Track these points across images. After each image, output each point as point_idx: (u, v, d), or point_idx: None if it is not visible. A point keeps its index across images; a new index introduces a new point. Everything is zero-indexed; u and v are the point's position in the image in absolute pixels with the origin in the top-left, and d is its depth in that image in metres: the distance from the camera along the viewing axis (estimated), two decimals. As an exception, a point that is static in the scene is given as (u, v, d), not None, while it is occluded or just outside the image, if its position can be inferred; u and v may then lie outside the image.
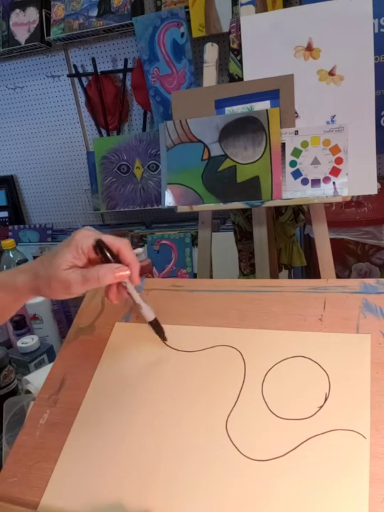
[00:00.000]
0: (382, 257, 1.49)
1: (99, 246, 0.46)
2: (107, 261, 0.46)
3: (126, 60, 1.85)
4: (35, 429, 0.51)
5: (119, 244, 0.47)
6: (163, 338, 0.52)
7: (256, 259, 1.08)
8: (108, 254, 0.46)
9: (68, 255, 0.45)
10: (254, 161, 0.95)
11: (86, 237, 0.46)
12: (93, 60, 1.86)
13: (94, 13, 1.74)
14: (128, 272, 0.47)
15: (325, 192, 0.92)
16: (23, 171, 2.23)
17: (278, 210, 1.23)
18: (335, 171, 0.91)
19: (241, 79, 1.00)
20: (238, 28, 0.99)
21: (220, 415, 0.45)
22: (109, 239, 0.47)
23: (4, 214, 2.26)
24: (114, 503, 0.43)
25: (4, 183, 2.24)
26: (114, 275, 0.45)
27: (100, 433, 0.48)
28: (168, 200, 1.02)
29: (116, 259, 0.47)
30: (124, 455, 0.45)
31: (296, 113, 0.94)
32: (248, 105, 0.96)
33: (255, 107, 0.95)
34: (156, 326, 0.51)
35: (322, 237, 1.00)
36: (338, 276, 1.37)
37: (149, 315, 0.50)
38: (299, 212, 1.24)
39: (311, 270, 1.59)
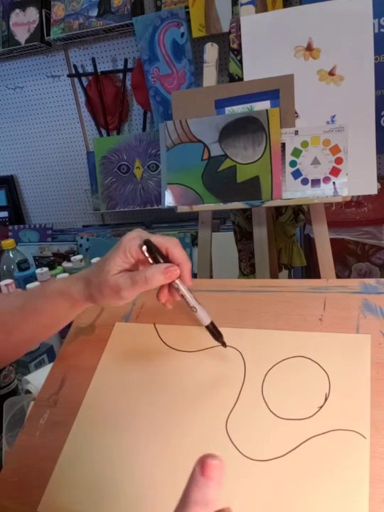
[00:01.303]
0: (382, 257, 1.49)
1: (147, 246, 0.44)
2: (155, 262, 0.44)
3: (126, 60, 1.85)
4: (35, 429, 0.51)
5: (167, 243, 0.45)
6: (222, 343, 0.48)
7: (256, 259, 1.08)
8: (157, 255, 0.44)
9: (117, 259, 0.45)
10: (254, 161, 0.95)
11: (133, 240, 0.45)
12: (93, 60, 1.86)
13: (94, 13, 1.74)
14: (178, 271, 0.45)
15: (325, 192, 0.92)
16: (23, 171, 2.23)
17: (278, 210, 1.23)
18: (335, 171, 0.91)
19: (241, 79, 1.00)
20: (238, 28, 0.99)
21: (220, 415, 0.45)
22: (157, 239, 0.45)
23: (4, 214, 2.26)
24: (114, 503, 0.43)
25: (4, 183, 2.24)
26: (162, 276, 0.44)
27: (100, 433, 0.48)
28: (168, 200, 1.02)
29: (166, 259, 0.45)
30: (123, 455, 0.45)
31: (296, 113, 0.94)
32: (248, 105, 0.96)
33: (255, 107, 0.95)
34: (213, 330, 0.47)
35: (322, 237, 1.01)
36: (338, 276, 1.37)
37: (205, 319, 0.47)
38: (299, 212, 1.24)
39: (311, 270, 1.59)
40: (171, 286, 0.46)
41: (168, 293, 0.47)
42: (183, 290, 0.46)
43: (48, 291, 0.50)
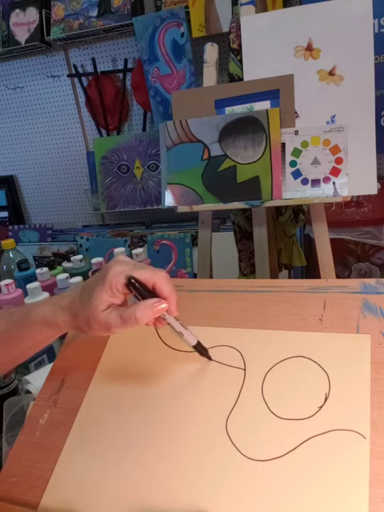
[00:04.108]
0: (382, 257, 1.49)
1: (132, 285, 0.44)
2: (143, 297, 0.44)
3: (126, 60, 1.85)
4: (35, 429, 0.51)
5: (154, 278, 0.44)
6: (208, 358, 0.50)
7: (256, 259, 1.08)
8: (143, 291, 0.44)
9: (104, 295, 0.44)
10: (254, 161, 0.95)
11: (119, 275, 0.44)
12: (93, 60, 1.86)
13: (94, 13, 1.74)
14: (165, 305, 0.44)
15: (325, 192, 0.92)
16: (23, 171, 2.23)
17: (278, 210, 1.23)
18: (335, 171, 0.91)
19: (241, 79, 1.00)
20: (238, 28, 0.99)
21: (220, 415, 0.45)
22: (143, 274, 0.44)
23: (4, 214, 2.26)
24: (114, 503, 0.43)
25: (4, 183, 2.24)
26: (151, 313, 0.43)
27: (100, 433, 0.48)
28: (168, 200, 1.02)
29: (153, 294, 0.45)
30: (124, 455, 0.45)
31: (296, 113, 0.94)
32: (248, 105, 0.96)
33: (255, 107, 0.95)
34: (200, 350, 0.49)
35: (322, 237, 1.00)
36: (338, 276, 1.37)
37: (192, 340, 0.48)
38: (299, 212, 1.24)
39: (311, 270, 1.59)
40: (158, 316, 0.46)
41: (155, 321, 0.47)
42: (170, 319, 0.47)
43: (31, 319, 0.48)
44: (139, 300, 0.44)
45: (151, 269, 0.45)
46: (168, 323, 0.47)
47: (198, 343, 0.49)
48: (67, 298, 0.47)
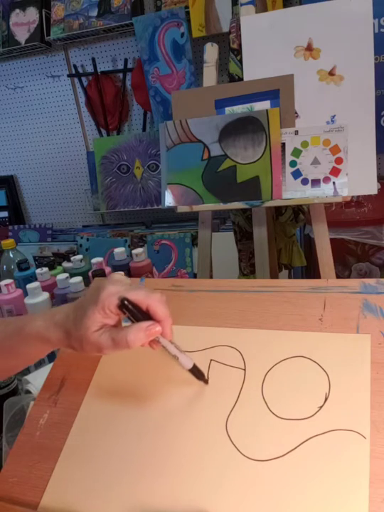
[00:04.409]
0: (382, 257, 1.49)
1: (125, 306, 0.42)
2: (136, 319, 0.43)
3: (126, 60, 1.85)
4: (35, 429, 0.51)
5: (148, 300, 0.43)
6: (205, 381, 0.48)
7: (256, 259, 1.08)
8: (136, 312, 0.43)
9: (97, 315, 0.42)
10: (254, 161, 0.95)
11: (112, 296, 0.42)
12: (93, 60, 1.86)
13: (94, 13, 1.74)
14: (159, 329, 0.43)
15: (325, 192, 0.92)
16: (23, 171, 2.23)
17: (278, 210, 1.23)
18: (335, 171, 0.91)
19: (241, 79, 1.00)
20: (238, 28, 0.99)
21: (220, 415, 0.45)
22: (137, 295, 0.43)
23: (4, 214, 2.27)
24: (115, 502, 0.43)
25: (4, 183, 2.24)
26: (144, 336, 0.42)
27: (100, 433, 0.48)
28: (168, 200, 1.02)
29: (147, 316, 0.43)
30: (123, 455, 0.45)
31: (296, 113, 0.94)
32: (248, 105, 0.96)
33: (255, 107, 0.95)
34: (196, 373, 0.48)
35: (322, 237, 1.00)
36: (338, 276, 1.37)
37: (187, 364, 0.47)
38: (299, 212, 1.24)
39: (311, 270, 1.59)
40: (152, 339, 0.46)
41: (150, 343, 0.46)
42: (164, 342, 0.46)
43: (24, 333, 0.47)
44: (133, 322, 0.43)
45: (147, 290, 0.44)
46: (163, 346, 0.46)
47: (194, 366, 0.47)
48: (61, 314, 0.46)
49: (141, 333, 0.42)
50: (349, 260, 1.54)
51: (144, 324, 0.42)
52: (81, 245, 1.97)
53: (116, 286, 0.43)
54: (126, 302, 0.42)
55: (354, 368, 0.44)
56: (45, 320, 0.47)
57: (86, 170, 2.05)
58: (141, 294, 0.43)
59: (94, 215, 2.15)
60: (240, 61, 0.99)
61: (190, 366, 0.47)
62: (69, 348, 0.46)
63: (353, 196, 0.95)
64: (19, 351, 0.49)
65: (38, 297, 0.98)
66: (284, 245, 1.28)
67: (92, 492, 0.44)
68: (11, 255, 1.23)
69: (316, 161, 0.92)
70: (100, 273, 1.03)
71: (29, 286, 0.98)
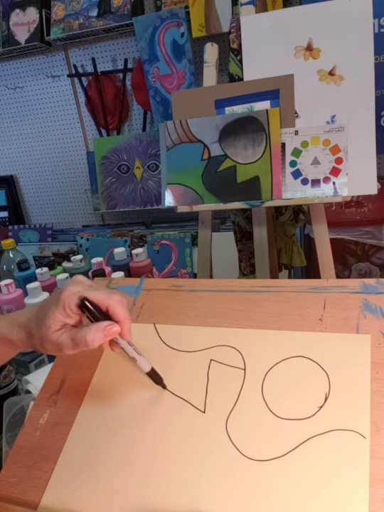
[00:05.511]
0: (382, 257, 1.49)
1: (85, 306, 0.43)
2: (95, 319, 0.44)
3: (126, 60, 1.85)
4: (35, 429, 0.51)
5: (108, 301, 0.44)
6: (163, 386, 0.49)
7: (256, 259, 1.08)
8: (95, 313, 0.43)
9: (57, 315, 0.43)
10: (254, 161, 0.95)
11: (73, 296, 0.43)
12: (93, 60, 1.86)
13: (94, 13, 1.74)
14: (117, 329, 0.43)
15: (325, 192, 0.92)
16: (23, 171, 2.23)
17: (278, 210, 1.23)
18: (335, 171, 0.91)
19: (241, 79, 1.00)
20: (238, 28, 0.99)
21: (220, 415, 0.45)
22: (97, 296, 0.44)
23: (4, 214, 2.26)
24: (115, 502, 0.43)
25: (4, 183, 2.24)
26: (102, 336, 0.43)
27: (100, 433, 0.48)
28: (168, 200, 1.02)
29: (106, 316, 0.44)
30: (123, 455, 0.45)
31: (296, 113, 0.94)
32: (248, 105, 0.96)
33: (255, 107, 0.95)
34: (154, 376, 0.48)
35: (322, 237, 1.01)
36: (338, 276, 1.37)
37: (145, 367, 0.48)
38: (299, 212, 1.24)
39: (311, 270, 1.59)
40: (111, 340, 0.46)
41: (108, 344, 0.46)
42: (123, 344, 0.46)
43: None
44: (92, 322, 0.44)
45: (108, 291, 0.45)
46: (122, 348, 0.46)
47: (152, 369, 0.48)
48: (25, 316, 0.47)
49: (100, 333, 0.43)
50: (349, 260, 1.54)
51: (103, 324, 0.43)
52: (81, 245, 1.97)
53: (77, 287, 0.44)
54: (86, 302, 0.43)
55: (354, 367, 0.44)
56: (9, 322, 0.48)
57: (86, 170, 2.05)
58: (102, 295, 0.44)
59: (94, 215, 2.15)
60: (240, 61, 0.99)
61: (148, 369, 0.48)
62: (32, 349, 0.47)
63: (353, 196, 0.95)
64: None
65: (38, 297, 0.98)
66: (284, 245, 1.28)
67: (92, 492, 0.44)
68: (11, 255, 1.23)
69: (316, 161, 0.92)
70: (100, 273, 1.03)
71: (29, 286, 0.98)
